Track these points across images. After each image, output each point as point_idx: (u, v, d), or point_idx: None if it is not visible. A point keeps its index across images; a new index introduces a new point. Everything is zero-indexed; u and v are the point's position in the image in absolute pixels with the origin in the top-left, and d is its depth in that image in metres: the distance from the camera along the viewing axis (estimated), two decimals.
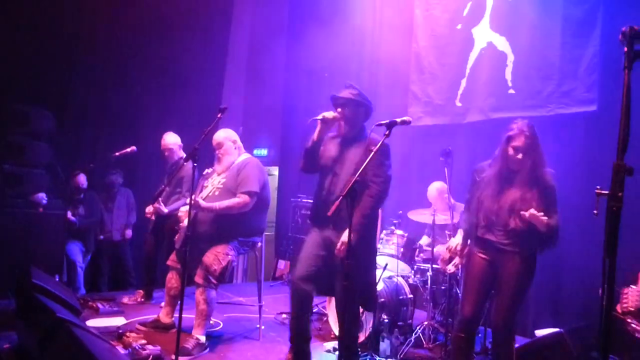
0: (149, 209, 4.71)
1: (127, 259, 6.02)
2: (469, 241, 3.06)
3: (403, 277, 4.32)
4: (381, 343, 3.63)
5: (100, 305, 4.42)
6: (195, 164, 3.10)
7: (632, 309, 2.22)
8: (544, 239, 2.77)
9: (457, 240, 3.08)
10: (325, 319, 4.30)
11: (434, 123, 5.65)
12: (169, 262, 3.98)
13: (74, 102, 6.25)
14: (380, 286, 3.90)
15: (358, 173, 2.54)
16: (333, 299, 3.87)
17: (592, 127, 4.28)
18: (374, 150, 2.62)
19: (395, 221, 4.60)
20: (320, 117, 3.07)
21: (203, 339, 3.58)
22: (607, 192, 1.50)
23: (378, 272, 3.79)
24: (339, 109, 3.14)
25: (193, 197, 3.30)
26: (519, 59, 4.86)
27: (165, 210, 4.51)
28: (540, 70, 4.67)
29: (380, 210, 3.41)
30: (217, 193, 3.76)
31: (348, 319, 2.96)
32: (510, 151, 2.82)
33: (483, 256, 2.92)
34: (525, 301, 3.24)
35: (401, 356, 3.68)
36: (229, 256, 3.65)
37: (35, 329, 2.60)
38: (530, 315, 4.43)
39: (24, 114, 4.81)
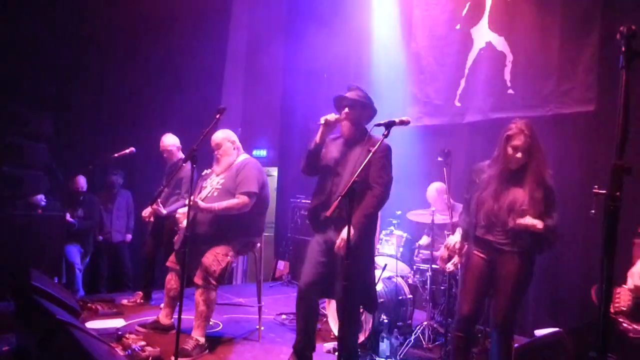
0: (146, 212, 4.70)
1: (125, 260, 6.02)
2: (467, 240, 3.06)
3: (402, 277, 4.32)
4: (381, 343, 3.63)
5: (99, 307, 4.42)
6: (194, 165, 3.10)
7: (624, 309, 2.23)
8: (543, 239, 2.77)
9: (455, 239, 3.08)
10: (324, 319, 4.30)
11: (433, 123, 5.65)
12: (168, 264, 3.97)
13: (72, 104, 6.24)
14: (379, 286, 3.91)
15: (357, 174, 2.54)
16: (332, 300, 3.88)
17: (590, 126, 4.28)
18: (373, 151, 2.62)
19: (394, 221, 4.61)
20: (323, 121, 3.07)
21: (202, 340, 3.58)
22: (604, 191, 1.50)
23: (377, 273, 3.80)
24: (346, 110, 3.15)
25: (192, 198, 3.30)
26: (518, 59, 4.86)
27: (164, 211, 4.51)
28: (539, 70, 4.67)
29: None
30: (216, 194, 3.76)
31: (348, 320, 2.96)
32: (510, 150, 2.82)
33: (482, 256, 2.93)
34: (524, 301, 3.24)
35: (401, 356, 3.68)
36: (228, 257, 3.65)
37: (34, 331, 2.60)
38: (530, 315, 4.43)
39: (22, 116, 4.81)
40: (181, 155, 5.05)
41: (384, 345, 3.61)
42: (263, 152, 8.38)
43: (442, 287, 4.22)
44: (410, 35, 5.97)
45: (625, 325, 2.22)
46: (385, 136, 2.68)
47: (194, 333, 3.57)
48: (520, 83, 4.83)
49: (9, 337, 3.26)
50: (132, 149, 5.20)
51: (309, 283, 3.09)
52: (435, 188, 4.61)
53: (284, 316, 4.70)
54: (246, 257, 6.77)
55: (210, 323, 3.97)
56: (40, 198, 4.92)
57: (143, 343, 3.39)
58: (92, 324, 3.98)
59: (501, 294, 2.85)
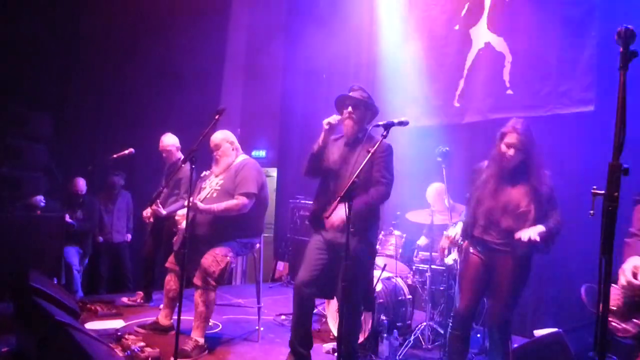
0: (146, 212, 4.70)
1: (126, 261, 6.02)
2: (467, 238, 3.07)
3: (401, 277, 4.32)
4: (380, 344, 3.63)
5: (99, 308, 4.42)
6: (193, 166, 3.10)
7: (614, 308, 2.23)
8: (547, 240, 2.76)
9: (456, 230, 3.08)
10: (324, 320, 4.30)
11: (431, 123, 5.65)
12: (167, 264, 3.97)
13: (71, 105, 6.25)
14: (379, 287, 3.91)
15: (356, 174, 2.54)
16: (332, 300, 3.89)
17: (589, 127, 4.28)
18: (372, 151, 2.63)
19: (393, 222, 4.61)
20: (326, 125, 3.06)
21: (202, 340, 3.57)
22: (603, 192, 1.50)
23: (377, 273, 3.80)
24: (349, 109, 3.15)
25: (191, 199, 3.30)
26: (517, 60, 4.87)
27: (164, 212, 4.51)
28: (538, 70, 4.68)
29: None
30: (215, 195, 3.76)
31: (347, 320, 2.96)
32: (503, 148, 2.84)
33: (479, 256, 2.94)
34: (522, 301, 3.25)
35: (400, 357, 3.68)
36: (228, 258, 3.65)
37: (33, 332, 2.61)
38: (529, 316, 4.43)
39: (22, 117, 4.80)
40: (180, 155, 5.05)
41: (384, 346, 3.61)
42: (262, 153, 8.38)
43: (442, 288, 4.22)
44: (410, 35, 5.98)
45: (614, 324, 2.22)
46: (384, 137, 2.69)
47: (193, 334, 3.57)
48: (519, 83, 4.83)
49: (8, 338, 3.25)
50: (131, 149, 5.20)
51: (304, 279, 3.10)
52: (435, 188, 4.61)
53: (283, 317, 4.70)
54: (245, 258, 6.76)
55: (210, 324, 3.97)
56: (39, 199, 4.92)
57: (142, 344, 3.38)
58: (91, 325, 3.98)
59: (497, 294, 2.86)
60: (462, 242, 3.09)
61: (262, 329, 4.09)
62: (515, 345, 3.28)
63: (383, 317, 3.80)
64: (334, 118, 3.09)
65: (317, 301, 3.71)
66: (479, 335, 3.93)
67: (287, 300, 5.50)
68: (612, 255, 1.48)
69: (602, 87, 4.18)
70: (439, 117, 5.60)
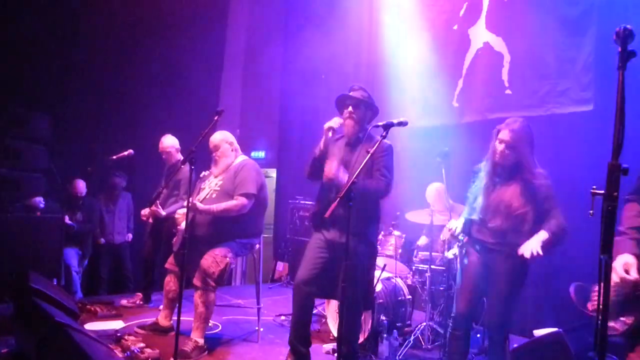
0: (145, 211, 4.71)
1: (127, 262, 6.02)
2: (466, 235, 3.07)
3: (401, 278, 4.32)
4: (380, 344, 3.63)
5: (98, 309, 4.42)
6: (193, 167, 3.10)
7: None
8: (553, 245, 2.74)
9: (457, 223, 3.07)
10: (324, 320, 4.30)
11: (430, 124, 5.66)
12: (167, 265, 3.97)
13: (71, 106, 6.25)
14: (378, 287, 3.91)
15: (355, 174, 2.54)
16: (332, 300, 3.89)
17: (587, 126, 4.28)
18: (371, 152, 2.63)
19: (393, 222, 4.61)
20: (330, 134, 3.05)
21: (202, 341, 3.57)
22: (602, 191, 1.50)
23: (376, 273, 3.80)
24: (350, 108, 3.16)
25: (190, 199, 3.30)
26: (516, 59, 4.87)
27: (163, 212, 4.51)
28: (537, 70, 4.68)
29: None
30: (214, 195, 3.76)
31: (347, 321, 2.96)
32: (497, 144, 2.85)
33: (477, 255, 2.94)
34: (522, 301, 3.25)
35: (400, 357, 3.68)
36: (227, 258, 3.64)
37: (33, 333, 2.60)
38: (529, 315, 4.43)
39: (21, 117, 4.80)
40: (180, 156, 5.05)
41: (383, 346, 3.61)
42: (261, 154, 8.38)
43: (441, 288, 4.22)
44: (408, 36, 5.98)
45: None
46: (384, 137, 2.69)
47: (193, 334, 3.57)
48: (518, 83, 4.84)
49: (8, 339, 3.25)
50: (131, 151, 5.20)
51: (304, 278, 3.10)
52: (435, 188, 4.61)
53: (283, 317, 4.70)
54: (245, 259, 6.77)
55: (210, 324, 3.97)
56: (39, 200, 4.91)
57: (142, 345, 3.38)
58: (91, 326, 3.97)
59: (495, 294, 2.86)
60: (462, 238, 3.09)
61: (261, 329, 4.09)
62: (515, 345, 3.29)
63: (383, 318, 3.80)
64: (335, 122, 3.07)
65: (317, 301, 3.71)
66: (478, 336, 3.93)
67: (286, 301, 5.50)
68: (612, 254, 1.48)
69: (601, 86, 4.18)
70: (438, 117, 5.60)
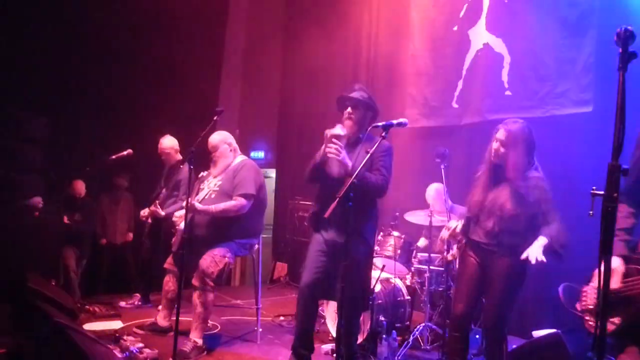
0: (144, 212, 4.70)
1: (129, 262, 6.01)
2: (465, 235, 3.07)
3: (400, 278, 4.32)
4: (379, 345, 3.62)
5: (97, 309, 4.42)
6: (192, 167, 3.10)
7: (591, 307, 2.24)
8: (554, 250, 2.73)
9: (457, 223, 3.06)
10: (323, 321, 4.30)
11: (430, 125, 5.66)
12: (166, 265, 3.97)
13: (68, 106, 6.23)
14: (377, 288, 3.91)
15: (355, 175, 2.54)
16: (331, 301, 3.88)
17: (587, 127, 4.29)
18: (370, 152, 2.63)
19: (392, 223, 4.60)
20: (331, 138, 3.01)
21: (200, 342, 3.57)
22: (602, 192, 1.50)
23: (375, 274, 3.80)
24: (349, 109, 3.16)
25: (189, 200, 3.30)
26: (515, 60, 4.87)
27: (162, 213, 4.51)
28: (536, 71, 4.68)
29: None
30: (213, 196, 3.76)
31: (346, 321, 2.96)
32: (494, 143, 2.85)
33: (474, 257, 2.94)
34: (520, 301, 3.24)
35: (399, 358, 3.67)
36: (226, 258, 3.65)
37: (32, 334, 2.60)
38: (528, 316, 4.43)
39: (18, 118, 4.79)
40: (179, 157, 5.05)
41: (382, 347, 3.61)
42: (261, 154, 8.38)
43: (440, 289, 4.21)
44: (408, 36, 5.98)
45: (591, 323, 2.23)
46: (383, 138, 2.69)
47: (192, 335, 3.57)
48: (517, 84, 4.84)
49: (7, 340, 3.24)
50: (130, 150, 5.19)
51: (309, 283, 3.10)
52: (434, 188, 4.61)
53: (282, 318, 4.70)
54: (244, 259, 6.77)
55: (208, 325, 3.97)
56: (38, 201, 4.90)
57: (141, 345, 3.38)
58: (89, 326, 3.97)
59: (490, 295, 2.86)
60: (461, 238, 3.08)
61: (260, 329, 4.09)
62: (514, 346, 3.29)
63: (382, 318, 3.80)
64: (337, 130, 3.03)
65: None
66: (477, 336, 3.92)
67: (286, 301, 5.51)
68: (611, 255, 1.48)
69: (601, 88, 4.18)
70: (438, 118, 5.60)
